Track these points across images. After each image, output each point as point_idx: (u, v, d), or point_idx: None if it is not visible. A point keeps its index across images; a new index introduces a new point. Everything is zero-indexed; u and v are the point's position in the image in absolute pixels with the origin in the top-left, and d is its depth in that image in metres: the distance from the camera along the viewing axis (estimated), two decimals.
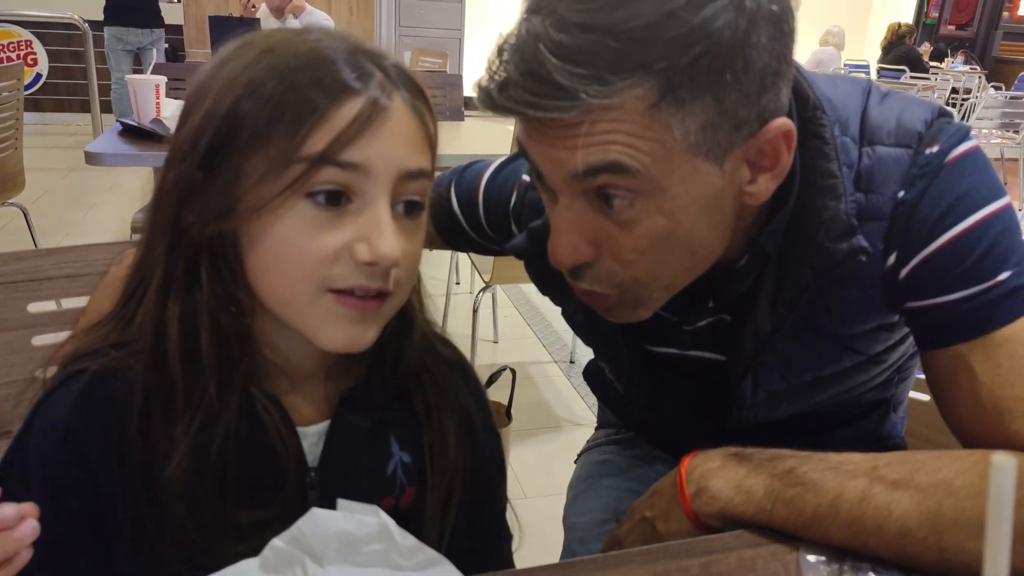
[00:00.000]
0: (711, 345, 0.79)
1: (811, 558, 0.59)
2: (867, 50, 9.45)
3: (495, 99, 0.56)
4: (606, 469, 0.97)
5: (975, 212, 0.62)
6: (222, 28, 3.54)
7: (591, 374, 1.02)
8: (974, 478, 0.57)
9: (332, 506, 0.55)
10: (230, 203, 0.52)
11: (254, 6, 4.53)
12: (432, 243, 0.93)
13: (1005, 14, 10.10)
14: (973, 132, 0.67)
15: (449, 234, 0.92)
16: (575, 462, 1.08)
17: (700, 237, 0.62)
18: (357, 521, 0.53)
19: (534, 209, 0.80)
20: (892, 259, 0.65)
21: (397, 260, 0.52)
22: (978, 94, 6.96)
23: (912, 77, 6.76)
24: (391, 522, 0.53)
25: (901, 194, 0.64)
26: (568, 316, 0.87)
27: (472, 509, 0.66)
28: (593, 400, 2.79)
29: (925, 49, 8.59)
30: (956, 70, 8.19)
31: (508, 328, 3.02)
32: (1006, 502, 0.27)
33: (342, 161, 0.50)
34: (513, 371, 1.65)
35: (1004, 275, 0.61)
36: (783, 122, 0.59)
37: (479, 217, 0.88)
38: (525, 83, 0.53)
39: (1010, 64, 8.55)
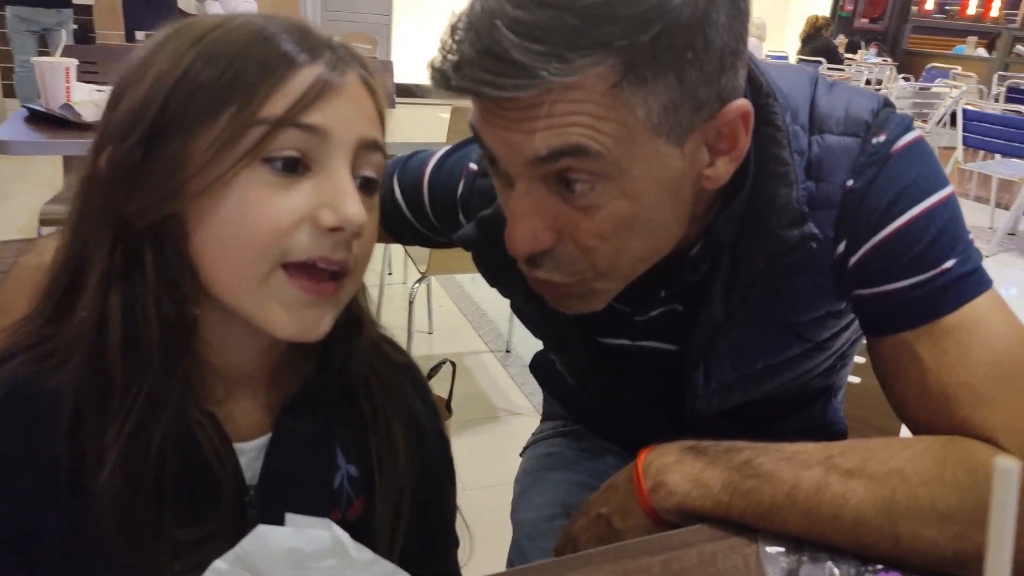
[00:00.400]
0: (663, 335, 0.78)
1: (770, 550, 0.58)
2: (787, 42, 9.74)
3: (450, 79, 0.53)
4: (554, 462, 0.96)
5: (922, 201, 0.63)
6: (138, 8, 3.36)
7: (539, 367, 1.00)
8: (926, 465, 0.58)
9: (273, 522, 0.51)
10: (178, 182, 0.49)
11: None
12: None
13: (914, 8, 10.57)
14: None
15: (393, 225, 0.89)
16: (520, 455, 1.06)
17: (661, 222, 0.60)
18: (308, 537, 0.50)
19: (483, 197, 0.77)
20: (842, 247, 0.65)
21: (363, 225, 0.51)
22: (889, 85, 7.25)
23: (829, 68, 6.99)
24: (345, 536, 0.50)
25: (850, 183, 0.64)
26: (517, 308, 0.85)
27: (420, 513, 0.64)
28: (531, 389, 2.82)
29: (840, 41, 8.91)
30: (869, 62, 8.53)
31: (443, 319, 2.99)
32: (1009, 504, 0.26)
33: (303, 123, 0.49)
34: (453, 364, 1.62)
35: (950, 263, 0.62)
36: (742, 103, 0.58)
37: (424, 207, 0.85)
38: (481, 61, 0.51)
39: (919, 56, 8.96)
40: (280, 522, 0.51)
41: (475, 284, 3.22)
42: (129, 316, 0.50)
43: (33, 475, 0.50)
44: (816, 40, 7.29)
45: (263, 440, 0.57)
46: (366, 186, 0.54)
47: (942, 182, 0.64)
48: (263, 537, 0.49)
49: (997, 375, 0.60)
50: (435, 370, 1.57)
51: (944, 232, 0.62)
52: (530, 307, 0.80)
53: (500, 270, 0.80)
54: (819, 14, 7.86)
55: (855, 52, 9.14)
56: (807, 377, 0.80)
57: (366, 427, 0.61)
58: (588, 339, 0.81)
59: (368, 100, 0.54)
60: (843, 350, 0.81)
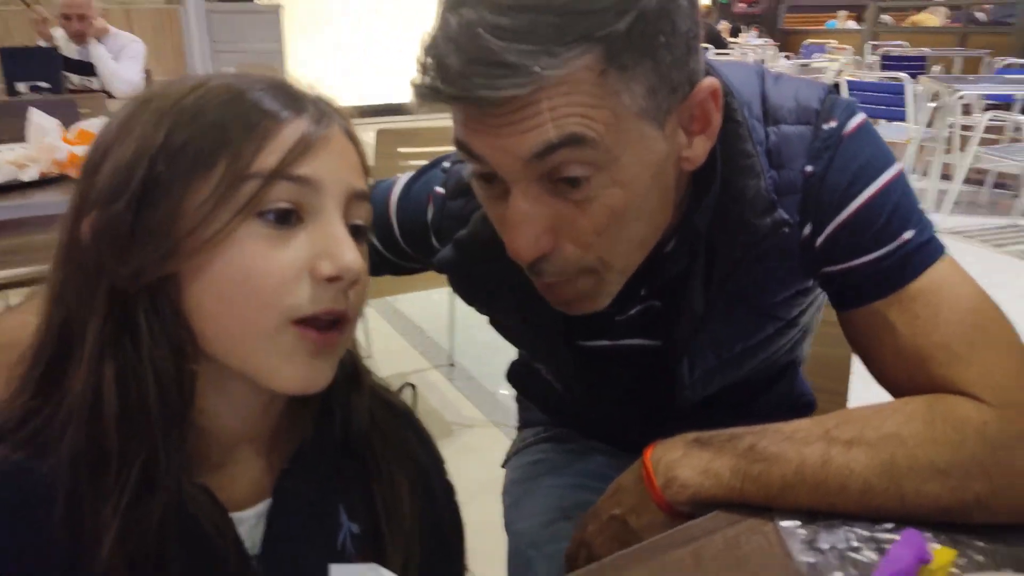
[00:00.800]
0: (644, 332, 0.80)
1: (786, 524, 0.61)
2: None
3: (442, 89, 0.54)
4: (543, 468, 0.97)
5: (877, 179, 0.67)
6: (17, 60, 3.19)
7: (518, 376, 1.01)
8: (917, 427, 0.62)
9: None
10: (173, 241, 0.48)
11: (45, 22, 4.03)
12: None
13: None
14: None
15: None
16: (503, 466, 1.07)
17: (651, 208, 0.63)
18: None
19: (455, 220, 0.78)
20: (808, 229, 0.69)
21: (361, 272, 0.51)
22: (772, 63, 7.60)
23: (716, 54, 7.26)
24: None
25: (809, 168, 0.68)
26: (498, 324, 0.86)
27: (427, 570, 0.62)
28: (481, 399, 2.82)
29: (724, 27, 9.27)
30: (753, 43, 8.90)
31: (381, 341, 2.96)
32: None
33: (294, 175, 0.49)
34: (413, 387, 1.61)
35: (909, 233, 0.66)
36: (710, 81, 0.62)
37: (395, 237, 0.85)
38: (473, 68, 0.53)
39: (796, 34, 9.42)
40: None
41: (409, 303, 3.20)
42: (126, 385, 0.48)
43: (29, 566, 0.47)
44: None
45: (263, 506, 0.55)
46: (356, 234, 0.54)
47: (891, 160, 0.69)
48: None
49: (965, 332, 0.64)
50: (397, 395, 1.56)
51: (900, 206, 0.67)
52: (514, 319, 0.81)
53: (480, 288, 0.81)
54: (700, 2, 8.14)
55: (738, 36, 9.53)
56: (778, 354, 0.84)
57: (369, 481, 0.59)
58: (570, 344, 0.82)
59: (352, 151, 0.55)
60: (806, 324, 0.85)
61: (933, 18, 8.69)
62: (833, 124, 0.69)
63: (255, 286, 0.49)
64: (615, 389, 0.86)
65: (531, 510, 0.92)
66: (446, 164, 0.83)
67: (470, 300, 0.84)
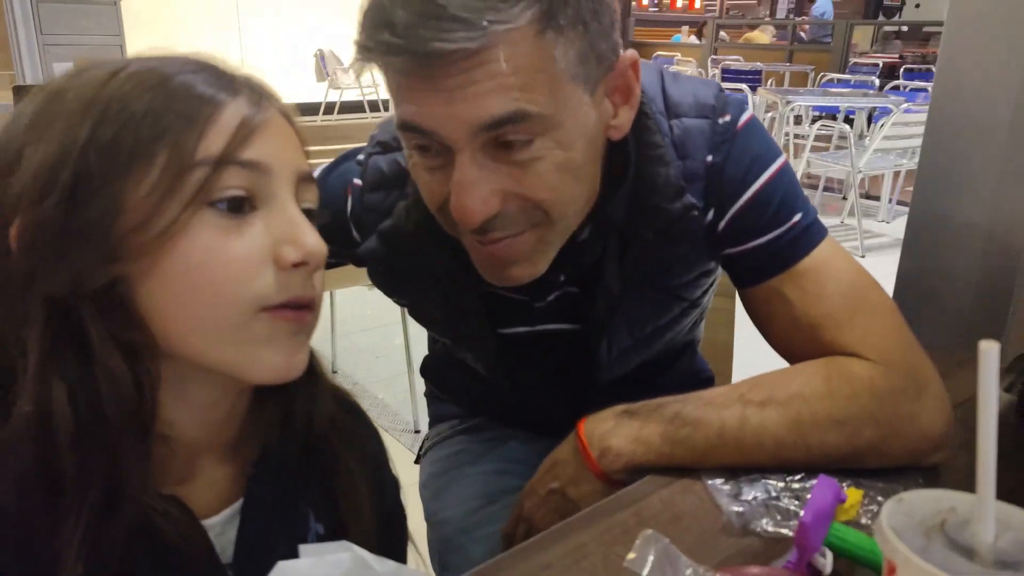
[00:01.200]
0: (562, 317, 0.84)
1: (713, 482, 0.67)
2: None
3: (391, 43, 0.55)
4: (463, 459, 0.99)
5: (768, 168, 0.75)
6: None
7: (433, 369, 1.02)
8: (817, 384, 0.69)
9: None
10: (116, 240, 0.45)
11: None
12: None
13: (634, 4, 11.68)
14: None
15: None
16: (416, 462, 1.08)
17: (587, 173, 0.67)
18: (328, 563, 0.49)
19: (376, 212, 0.79)
20: (711, 214, 0.76)
21: (325, 254, 0.51)
22: None
23: None
24: (365, 552, 0.50)
25: (710, 158, 0.74)
26: (421, 313, 0.87)
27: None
28: (365, 405, 2.78)
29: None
30: None
31: None
32: (992, 378, 0.35)
33: (243, 160, 0.48)
34: None
35: (797, 217, 0.74)
36: (631, 53, 0.67)
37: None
38: (424, 22, 0.54)
39: (645, 47, 9.89)
40: None
41: None
42: (78, 401, 0.45)
43: None
44: None
45: (229, 511, 0.54)
46: (308, 217, 0.53)
47: (778, 151, 0.77)
48: (284, 573, 0.48)
49: (847, 303, 0.73)
50: None
51: (788, 192, 0.75)
52: (439, 309, 0.82)
53: (403, 279, 0.82)
54: None
55: None
56: (682, 333, 0.91)
57: (330, 479, 0.59)
58: (492, 331, 0.85)
59: (292, 133, 0.54)
60: (705, 306, 0.93)
61: (764, 36, 9.44)
62: (727, 118, 0.75)
63: (216, 278, 0.47)
64: (536, 372, 0.89)
65: (456, 499, 0.94)
66: (360, 157, 0.83)
67: (391, 291, 0.85)
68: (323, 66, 8.26)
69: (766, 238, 0.74)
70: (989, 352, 0.36)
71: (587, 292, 0.81)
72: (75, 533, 0.44)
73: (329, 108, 8.11)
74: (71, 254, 0.45)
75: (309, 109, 7.76)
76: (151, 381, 0.48)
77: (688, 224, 0.75)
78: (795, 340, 0.75)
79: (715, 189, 0.75)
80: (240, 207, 0.48)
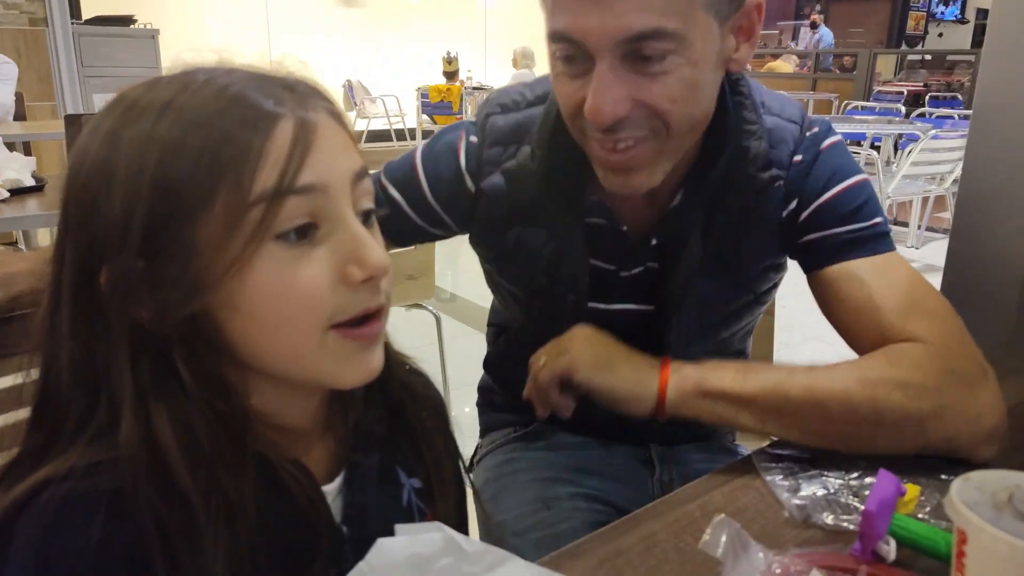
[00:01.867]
0: (639, 297, 0.90)
1: (772, 478, 0.70)
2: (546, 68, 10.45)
3: None
4: (519, 466, 1.02)
5: (854, 176, 0.83)
6: None
7: (496, 365, 1.08)
8: (881, 361, 0.74)
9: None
10: (195, 279, 0.47)
11: None
12: None
13: None
14: None
15: (392, 226, 0.92)
16: (468, 471, 1.11)
17: (707, 94, 0.75)
18: (423, 541, 0.53)
19: (493, 164, 0.88)
20: (793, 204, 0.83)
21: (388, 266, 0.52)
22: None
23: None
24: (455, 533, 0.54)
25: (798, 157, 0.82)
26: (512, 262, 0.92)
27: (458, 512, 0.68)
28: None
29: None
30: None
31: None
32: None
33: (300, 187, 0.48)
34: None
35: (878, 219, 0.81)
36: None
37: (424, 192, 0.91)
38: None
39: None
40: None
41: None
42: (181, 428, 0.47)
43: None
44: None
45: (337, 482, 0.58)
46: (367, 221, 0.54)
47: (860, 168, 0.85)
48: (384, 549, 0.51)
49: (914, 296, 0.78)
50: None
51: (871, 199, 0.82)
52: (545, 245, 0.88)
53: (516, 213, 0.88)
54: None
55: None
56: (739, 335, 0.96)
57: (413, 439, 0.64)
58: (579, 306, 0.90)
59: (341, 131, 0.53)
60: (760, 311, 0.97)
61: (787, 65, 9.49)
62: (816, 131, 0.83)
63: (288, 306, 0.49)
64: None
65: (513, 503, 0.97)
66: (472, 118, 0.92)
67: (496, 239, 0.91)
68: (351, 96, 8.44)
69: (848, 227, 0.80)
70: None
71: (668, 271, 0.87)
72: (216, 544, 0.46)
73: (356, 137, 8.24)
74: (154, 294, 0.47)
75: None
76: (241, 400, 0.51)
77: (769, 200, 0.81)
78: (861, 322, 0.79)
79: (799, 183, 0.82)
80: (306, 233, 0.49)
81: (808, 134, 0.83)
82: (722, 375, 0.74)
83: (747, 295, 0.90)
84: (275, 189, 0.47)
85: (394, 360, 0.64)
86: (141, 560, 0.45)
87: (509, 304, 0.99)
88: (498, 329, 1.08)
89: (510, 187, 0.86)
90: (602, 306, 0.90)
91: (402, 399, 0.64)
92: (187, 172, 0.46)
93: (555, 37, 0.71)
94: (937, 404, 0.70)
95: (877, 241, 0.80)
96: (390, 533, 0.56)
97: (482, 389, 1.14)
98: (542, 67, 8.96)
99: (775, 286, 0.94)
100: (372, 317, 0.53)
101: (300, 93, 0.51)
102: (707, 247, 0.84)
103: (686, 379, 0.75)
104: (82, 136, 0.50)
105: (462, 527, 0.66)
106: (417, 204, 0.92)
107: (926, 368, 0.72)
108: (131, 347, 0.48)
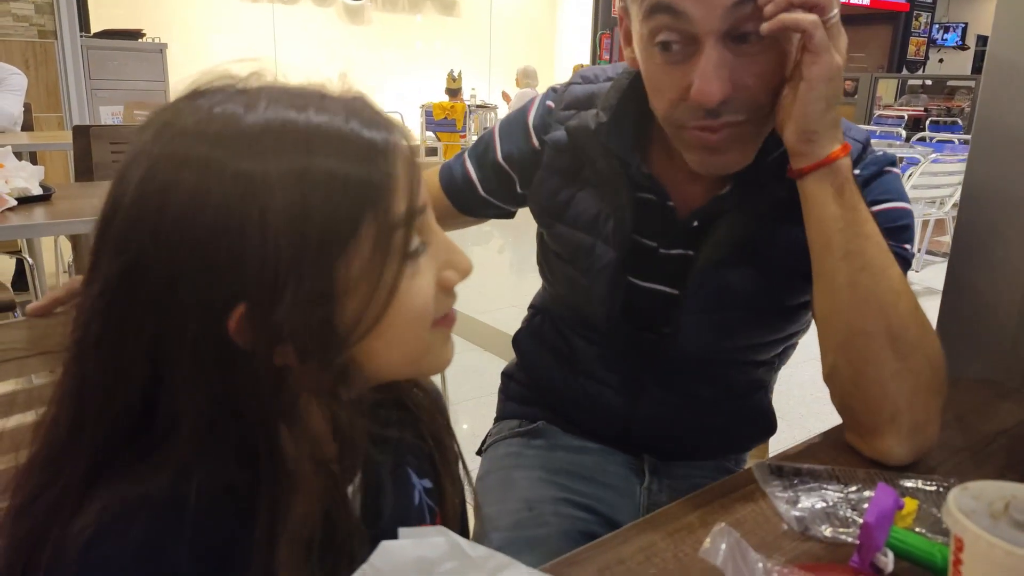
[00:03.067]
0: (670, 279, 0.91)
1: (772, 490, 0.70)
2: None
3: None
4: (514, 462, 1.04)
5: (903, 200, 0.86)
6: None
7: (524, 341, 1.10)
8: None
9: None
10: (356, 317, 0.47)
11: None
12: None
13: None
14: None
15: (458, 192, 1.06)
16: (478, 454, 1.13)
17: (781, 83, 0.76)
18: (427, 544, 0.53)
19: (560, 123, 0.94)
20: None
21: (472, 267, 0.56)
22: None
23: None
24: (459, 538, 0.54)
25: (857, 171, 0.83)
26: (563, 220, 0.95)
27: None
28: None
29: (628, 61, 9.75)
30: None
31: None
32: None
33: (420, 207, 0.51)
34: None
35: (909, 247, 0.83)
36: None
37: (495, 154, 1.01)
38: None
39: None
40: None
41: None
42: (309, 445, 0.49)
43: None
44: None
45: (354, 484, 0.59)
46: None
47: (905, 198, 0.87)
48: (388, 551, 0.52)
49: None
50: None
51: (911, 228, 0.85)
52: (595, 206, 0.91)
53: (573, 171, 0.93)
54: (582, 63, 8.61)
55: None
56: (758, 350, 0.96)
57: (422, 439, 0.65)
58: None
59: (414, 160, 0.53)
60: (786, 347, 0.98)
61: None
62: (879, 154, 0.86)
63: (412, 318, 0.51)
64: (628, 326, 0.95)
65: (500, 498, 0.99)
66: (556, 87, 0.99)
67: (551, 196, 0.95)
68: None
69: (888, 242, 0.79)
70: None
71: (699, 253, 0.88)
72: (270, 552, 0.48)
73: None
74: (306, 337, 0.46)
75: None
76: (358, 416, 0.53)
77: None
78: None
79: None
80: (419, 250, 0.52)
81: (871, 155, 0.86)
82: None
83: (774, 297, 0.89)
84: (408, 212, 0.49)
85: None
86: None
87: (554, 270, 1.01)
88: (535, 311, 1.11)
89: (571, 143, 0.91)
90: (638, 282, 0.92)
91: (412, 400, 0.65)
92: (329, 206, 0.44)
93: (659, 8, 0.73)
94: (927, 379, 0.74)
95: (902, 265, 0.81)
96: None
97: (504, 374, 1.17)
98: (543, 87, 9.07)
99: (803, 307, 0.91)
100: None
101: (387, 126, 0.50)
102: (744, 233, 0.85)
103: (839, 170, 0.76)
104: (153, 158, 0.44)
105: (463, 528, 0.67)
106: (488, 169, 1.02)
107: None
108: (274, 387, 0.47)
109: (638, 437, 1.01)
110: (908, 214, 0.85)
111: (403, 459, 0.64)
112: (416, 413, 0.65)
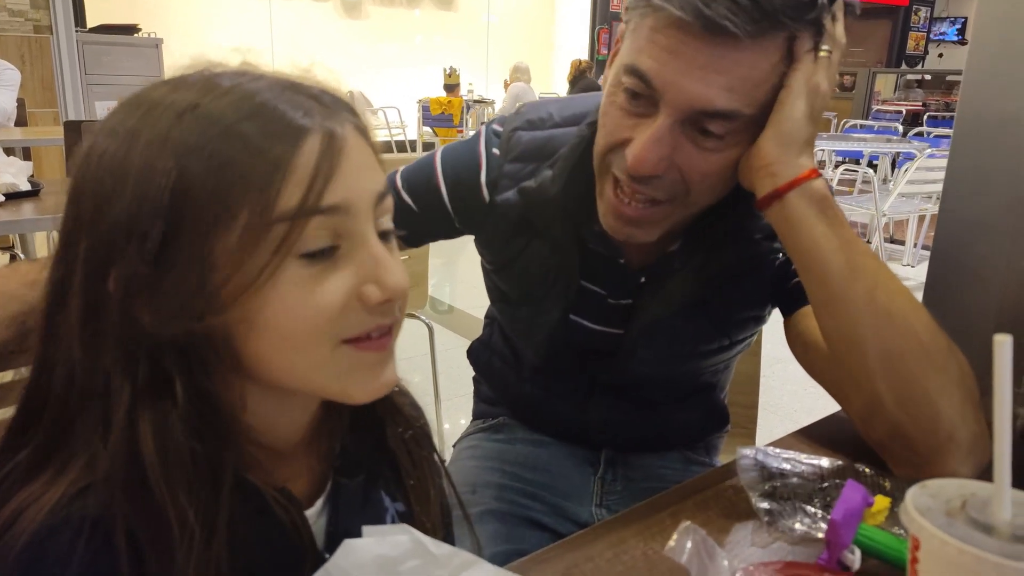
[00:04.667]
0: (617, 322, 0.91)
1: (747, 475, 0.70)
2: (554, 84, 10.53)
3: (702, 9, 0.64)
4: (470, 453, 1.06)
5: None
6: None
7: (478, 353, 1.10)
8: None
9: None
10: (210, 293, 0.45)
11: None
12: None
13: None
14: None
15: (403, 226, 0.94)
16: (453, 446, 1.15)
17: (734, 178, 0.74)
18: (390, 543, 0.53)
19: (512, 179, 0.88)
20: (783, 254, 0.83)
21: (407, 288, 0.51)
22: None
23: None
24: (422, 536, 0.54)
25: None
26: (511, 272, 0.93)
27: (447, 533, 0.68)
28: None
29: (603, 80, 9.74)
30: None
31: None
32: (1007, 368, 0.39)
33: (324, 207, 0.46)
34: None
35: None
36: None
37: (440, 194, 0.91)
38: (732, 4, 0.63)
39: None
40: None
41: None
42: (165, 442, 0.46)
43: None
44: (582, 80, 7.94)
45: (320, 503, 0.58)
46: (386, 238, 0.52)
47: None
48: (351, 550, 0.52)
49: None
50: None
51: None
52: (542, 264, 0.89)
53: (523, 231, 0.89)
54: (580, 58, 8.58)
55: None
56: (710, 370, 0.97)
57: (396, 463, 0.62)
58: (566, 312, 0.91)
59: (367, 147, 0.51)
60: (738, 352, 0.98)
61: None
62: None
63: (305, 325, 0.47)
64: (571, 355, 0.95)
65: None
66: (497, 127, 0.91)
67: (503, 242, 0.91)
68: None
69: None
70: (1004, 344, 0.40)
71: (644, 302, 0.88)
72: (188, 563, 0.45)
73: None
74: (163, 304, 0.45)
75: None
76: (233, 415, 0.50)
77: (766, 259, 0.81)
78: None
79: None
80: (328, 253, 0.48)
81: None
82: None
83: (722, 339, 0.90)
84: (299, 207, 0.45)
85: None
86: None
87: (498, 301, 1.01)
88: (490, 322, 1.11)
89: (524, 205, 0.87)
90: (585, 323, 0.91)
91: (387, 421, 0.63)
92: (209, 181, 0.44)
93: (632, 72, 0.69)
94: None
95: None
96: None
97: (474, 379, 1.17)
98: (536, 81, 9.07)
99: (751, 336, 0.94)
100: (385, 332, 0.52)
101: (327, 106, 0.49)
102: (693, 292, 0.84)
103: (817, 190, 0.71)
104: (98, 132, 0.48)
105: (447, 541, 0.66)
106: (431, 206, 0.92)
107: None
108: (131, 354, 0.46)
109: (593, 435, 1.02)
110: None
111: (375, 481, 0.61)
112: (389, 433, 0.62)
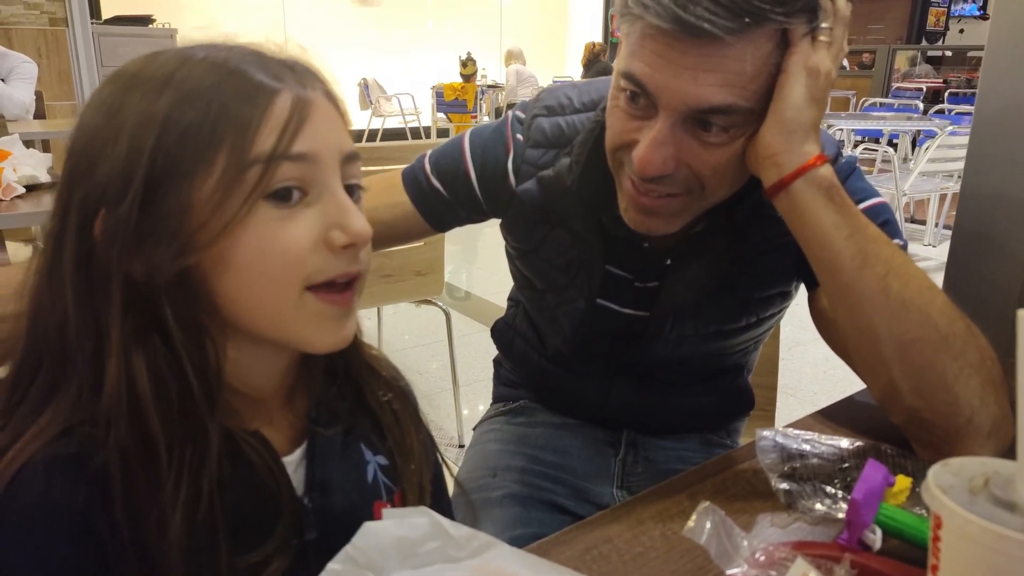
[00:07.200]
0: (645, 304, 0.90)
1: (766, 459, 0.70)
2: (568, 67, 10.46)
3: (667, 8, 0.63)
4: (492, 436, 1.07)
5: (876, 197, 0.82)
6: None
7: (502, 334, 1.10)
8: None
9: (327, 529, 0.57)
10: (186, 236, 0.49)
11: None
12: (412, 232, 0.97)
13: None
14: None
15: (435, 214, 0.96)
16: (474, 429, 1.16)
17: (748, 168, 0.73)
18: (409, 525, 0.53)
19: (533, 165, 0.89)
20: None
21: (369, 235, 0.54)
22: None
23: None
24: (441, 518, 0.54)
25: None
26: (535, 259, 0.93)
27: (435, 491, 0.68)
28: None
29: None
30: None
31: None
32: None
33: (294, 154, 0.51)
34: None
35: (900, 241, 0.77)
36: None
37: (469, 176, 0.92)
38: (713, 4, 0.62)
39: None
40: (329, 529, 0.56)
41: None
42: (158, 376, 0.50)
43: (102, 548, 0.48)
44: (596, 64, 7.89)
45: (298, 453, 0.59)
46: (352, 194, 0.56)
47: (878, 193, 0.83)
48: (370, 532, 0.52)
49: None
50: None
51: (892, 220, 0.80)
52: (564, 254, 0.90)
53: (545, 220, 0.90)
54: (595, 41, 8.52)
55: None
56: (737, 349, 0.96)
57: (376, 417, 0.65)
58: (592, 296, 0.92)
59: (335, 113, 0.56)
60: (766, 331, 0.98)
61: None
62: (842, 160, 0.82)
63: (274, 264, 0.51)
64: (600, 339, 0.95)
65: (470, 466, 1.04)
66: (520, 113, 0.92)
67: (526, 232, 0.92)
68: (367, 94, 8.47)
69: None
70: None
71: (670, 283, 0.87)
72: (177, 491, 0.49)
73: (372, 135, 8.30)
74: (147, 248, 0.49)
75: (353, 136, 7.98)
76: (217, 355, 0.53)
77: (789, 236, 0.78)
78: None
79: None
80: (289, 196, 0.51)
81: (842, 159, 0.83)
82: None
83: (749, 317, 0.90)
84: (272, 152, 0.50)
85: (359, 342, 0.65)
86: (92, 529, 0.48)
87: (523, 288, 1.01)
88: (514, 303, 1.11)
89: (543, 194, 0.87)
90: (612, 306, 0.91)
91: (365, 379, 0.65)
92: (193, 124, 0.49)
93: (628, 77, 0.70)
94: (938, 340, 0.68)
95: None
96: (354, 505, 0.59)
97: (495, 361, 1.18)
98: (550, 65, 9.01)
99: (778, 313, 0.93)
100: (348, 286, 0.55)
101: (298, 72, 0.54)
102: (719, 272, 0.84)
103: (824, 176, 0.70)
104: (85, 107, 0.52)
105: (439, 504, 0.66)
106: (459, 188, 0.93)
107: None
108: (122, 297, 0.50)
109: (615, 417, 1.02)
110: (887, 207, 0.82)
111: (354, 434, 0.63)
112: (368, 390, 0.65)
